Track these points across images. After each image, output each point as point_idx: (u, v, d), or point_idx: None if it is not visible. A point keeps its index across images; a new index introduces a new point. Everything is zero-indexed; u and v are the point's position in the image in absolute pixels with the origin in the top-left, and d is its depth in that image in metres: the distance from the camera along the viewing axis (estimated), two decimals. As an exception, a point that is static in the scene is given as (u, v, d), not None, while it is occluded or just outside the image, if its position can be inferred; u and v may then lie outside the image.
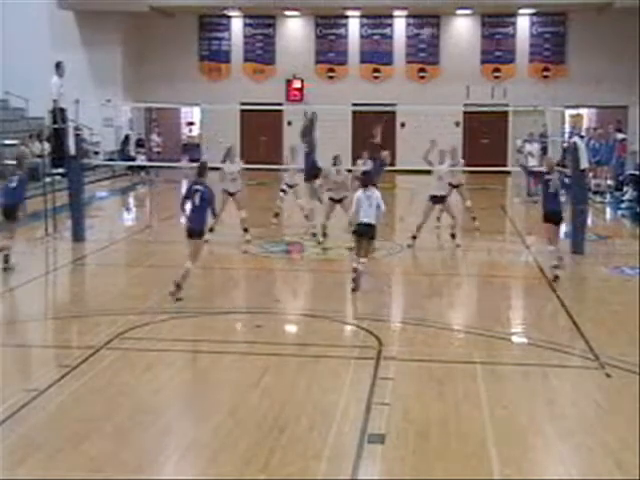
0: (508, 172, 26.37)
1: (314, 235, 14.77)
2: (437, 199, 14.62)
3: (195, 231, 10.71)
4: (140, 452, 5.96)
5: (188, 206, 10.89)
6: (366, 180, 11.59)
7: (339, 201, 14.46)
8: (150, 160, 26.30)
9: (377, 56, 29.27)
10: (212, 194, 10.88)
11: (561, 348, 8.49)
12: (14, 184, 12.80)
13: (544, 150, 22.69)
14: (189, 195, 10.81)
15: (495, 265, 13.78)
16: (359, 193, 11.36)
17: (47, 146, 17.61)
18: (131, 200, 23.84)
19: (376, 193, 11.31)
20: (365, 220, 11.12)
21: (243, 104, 26.47)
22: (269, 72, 29.65)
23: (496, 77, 28.80)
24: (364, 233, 11.17)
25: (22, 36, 25.77)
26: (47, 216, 15.06)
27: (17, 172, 13.06)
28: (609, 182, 22.05)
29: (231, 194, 14.83)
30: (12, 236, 12.64)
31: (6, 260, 12.30)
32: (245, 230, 14.56)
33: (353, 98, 27.50)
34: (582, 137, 20.15)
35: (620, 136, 23.24)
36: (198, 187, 10.77)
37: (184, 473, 5.79)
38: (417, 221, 14.46)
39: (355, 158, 18.73)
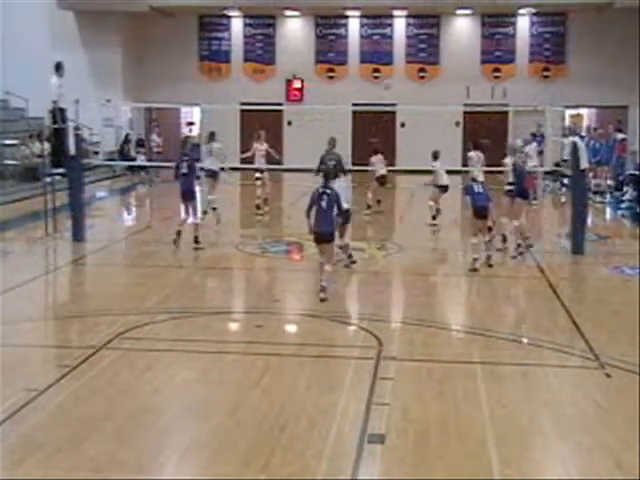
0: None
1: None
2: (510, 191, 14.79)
3: (324, 235, 10.60)
4: (140, 452, 5.96)
5: (313, 211, 10.76)
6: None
7: None
8: (150, 160, 26.30)
9: (377, 56, 29.27)
10: (339, 197, 10.80)
11: (561, 348, 8.49)
12: (185, 170, 14.05)
13: (540, 151, 22.72)
14: (316, 200, 10.64)
15: (495, 265, 13.75)
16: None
17: (47, 146, 17.61)
18: (131, 200, 23.83)
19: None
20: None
21: (243, 104, 26.48)
22: (269, 72, 29.66)
23: (496, 77, 28.80)
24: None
25: (22, 36, 25.77)
26: (47, 216, 15.06)
27: (184, 158, 14.31)
28: (609, 182, 22.05)
29: None
30: (196, 214, 14.20)
31: (196, 240, 13.91)
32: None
33: (353, 98, 27.51)
34: (582, 137, 20.19)
35: (620, 136, 23.24)
36: (326, 190, 10.69)
37: (184, 473, 5.79)
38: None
39: (355, 158, 18.79)
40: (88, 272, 13.19)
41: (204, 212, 16.94)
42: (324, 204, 10.57)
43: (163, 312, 9.74)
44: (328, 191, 10.71)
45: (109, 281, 12.21)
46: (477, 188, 12.98)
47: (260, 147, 18.22)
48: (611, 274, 12.45)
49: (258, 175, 18.28)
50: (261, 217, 17.89)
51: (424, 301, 10.78)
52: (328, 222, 10.61)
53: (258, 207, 18.21)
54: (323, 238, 10.62)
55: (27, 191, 19.98)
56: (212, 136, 17.58)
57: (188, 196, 14.17)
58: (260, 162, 18.10)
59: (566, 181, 20.49)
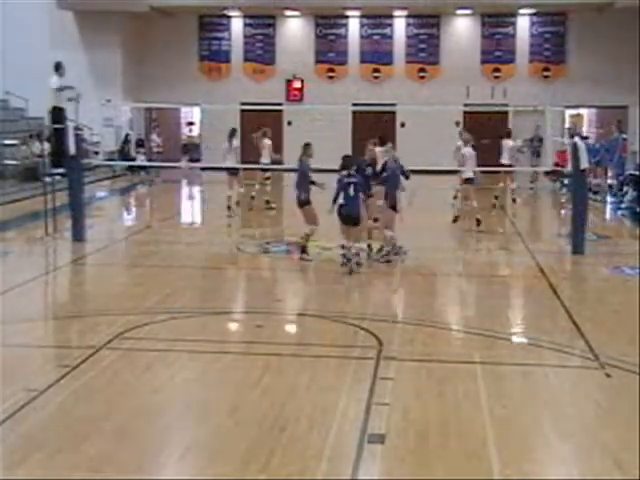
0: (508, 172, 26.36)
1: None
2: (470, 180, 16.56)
3: (352, 218, 11.72)
4: (140, 452, 5.96)
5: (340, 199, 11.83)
6: None
7: None
8: (150, 160, 26.31)
9: (377, 56, 29.29)
10: (363, 184, 11.92)
11: (561, 348, 8.49)
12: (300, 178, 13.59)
13: (537, 153, 22.79)
14: (342, 187, 11.70)
15: (495, 265, 13.78)
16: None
17: (47, 146, 17.61)
18: (131, 200, 23.84)
19: None
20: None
21: (243, 104, 26.51)
22: (269, 72, 29.67)
23: (496, 77, 28.81)
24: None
25: (22, 36, 25.80)
26: (47, 216, 15.06)
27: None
28: (609, 182, 22.05)
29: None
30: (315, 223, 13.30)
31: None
32: None
33: (353, 98, 27.54)
34: (586, 138, 20.40)
35: (621, 136, 23.23)
36: (351, 179, 11.73)
37: (184, 473, 5.79)
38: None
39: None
40: (88, 272, 13.19)
41: (228, 207, 17.80)
42: (351, 191, 11.68)
43: (163, 312, 9.74)
44: (353, 179, 11.76)
45: (109, 281, 12.21)
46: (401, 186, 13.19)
47: (268, 143, 18.57)
48: (611, 274, 12.44)
49: (269, 175, 19.07)
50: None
51: (424, 301, 10.78)
52: (356, 206, 11.74)
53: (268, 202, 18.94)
54: (351, 221, 11.77)
55: (27, 191, 19.99)
56: (233, 133, 17.94)
57: (303, 204, 13.25)
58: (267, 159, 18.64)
59: (566, 181, 20.52)
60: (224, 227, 17.24)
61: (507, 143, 20.47)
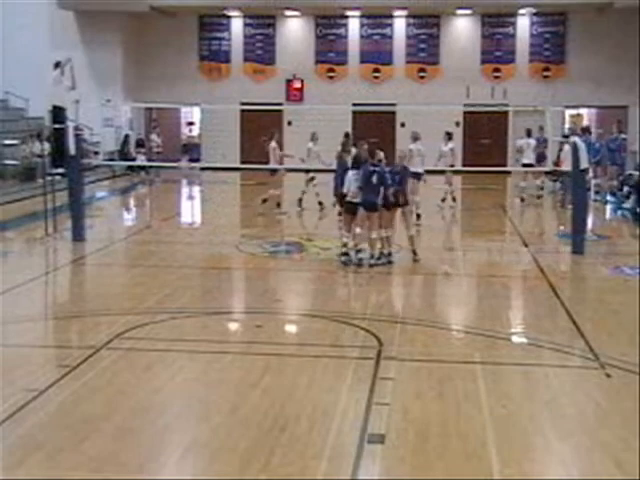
0: (508, 172, 26.44)
1: None
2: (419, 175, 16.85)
3: (373, 204, 12.45)
4: (140, 452, 5.96)
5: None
6: None
7: None
8: (150, 160, 26.32)
9: (377, 56, 29.29)
10: (386, 175, 12.51)
11: (561, 348, 8.49)
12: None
13: (541, 155, 22.78)
14: (367, 176, 12.39)
15: (495, 265, 13.78)
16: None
17: (47, 146, 17.61)
18: (131, 200, 23.84)
19: None
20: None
21: (243, 104, 26.52)
22: (269, 72, 29.67)
23: (496, 77, 28.82)
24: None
25: (22, 36, 25.79)
26: (47, 216, 15.06)
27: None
28: (610, 182, 22.04)
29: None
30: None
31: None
32: None
33: (353, 98, 27.55)
34: (590, 133, 20.63)
35: (621, 136, 23.24)
36: (375, 169, 12.47)
37: (184, 473, 5.79)
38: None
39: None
40: (88, 272, 13.19)
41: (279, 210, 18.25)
42: (374, 179, 12.35)
43: (163, 312, 9.74)
44: (377, 169, 12.45)
45: (109, 281, 12.21)
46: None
47: (314, 148, 18.47)
48: (611, 274, 12.44)
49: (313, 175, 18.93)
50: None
51: (424, 301, 10.78)
52: (375, 194, 12.41)
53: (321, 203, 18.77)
54: (372, 208, 12.46)
55: (27, 191, 20.00)
56: (272, 136, 18.29)
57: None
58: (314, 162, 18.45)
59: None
60: (225, 227, 17.23)
61: (529, 142, 20.70)
